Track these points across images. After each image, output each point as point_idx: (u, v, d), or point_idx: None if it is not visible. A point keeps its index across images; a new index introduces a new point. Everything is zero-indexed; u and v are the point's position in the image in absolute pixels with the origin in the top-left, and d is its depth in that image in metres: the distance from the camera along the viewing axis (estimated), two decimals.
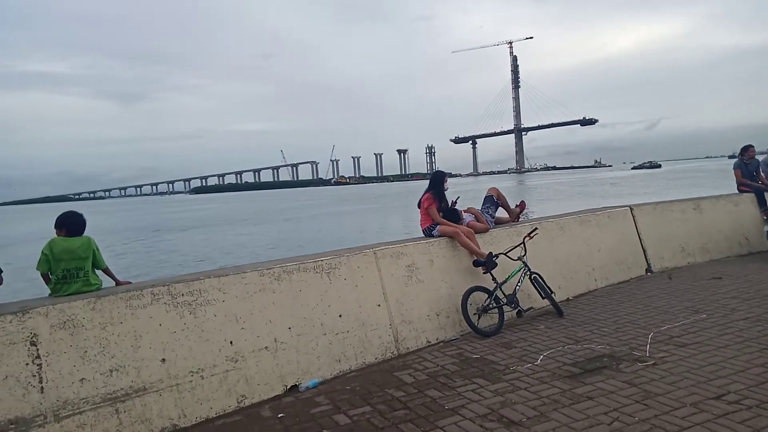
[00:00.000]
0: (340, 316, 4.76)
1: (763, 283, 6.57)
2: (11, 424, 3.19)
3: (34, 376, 3.33)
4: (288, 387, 4.28)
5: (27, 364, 3.33)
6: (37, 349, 3.37)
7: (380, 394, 4.02)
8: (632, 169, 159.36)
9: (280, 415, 3.79)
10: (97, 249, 4.16)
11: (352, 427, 3.51)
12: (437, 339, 5.30)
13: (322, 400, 4.02)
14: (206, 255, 21.83)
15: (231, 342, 4.12)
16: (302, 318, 4.54)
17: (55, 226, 4.13)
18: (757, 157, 9.58)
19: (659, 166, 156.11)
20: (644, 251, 7.80)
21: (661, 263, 7.88)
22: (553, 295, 5.92)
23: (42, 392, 3.33)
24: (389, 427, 3.45)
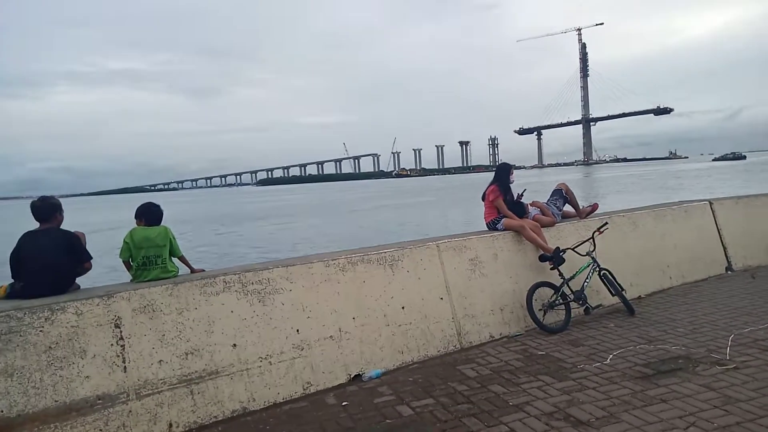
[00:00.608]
0: (402, 307, 4.78)
1: None
2: (99, 399, 3.44)
3: (118, 356, 3.57)
4: (352, 376, 4.36)
5: (112, 344, 3.56)
6: (121, 331, 3.61)
7: (443, 387, 4.02)
8: (713, 160, 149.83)
9: (344, 403, 3.87)
10: (174, 238, 4.38)
11: (415, 418, 3.54)
12: (501, 334, 5.23)
13: (385, 390, 4.06)
14: (272, 245, 22.51)
15: (297, 330, 4.24)
16: (366, 308, 4.60)
17: (135, 216, 4.40)
18: None
19: (744, 157, 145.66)
20: (724, 248, 7.34)
21: (744, 261, 7.39)
22: (623, 292, 5.69)
23: (125, 371, 3.56)
24: (452, 421, 3.45)
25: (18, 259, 3.82)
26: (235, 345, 3.96)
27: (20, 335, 3.28)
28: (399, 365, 4.59)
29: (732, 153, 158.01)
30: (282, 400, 4.02)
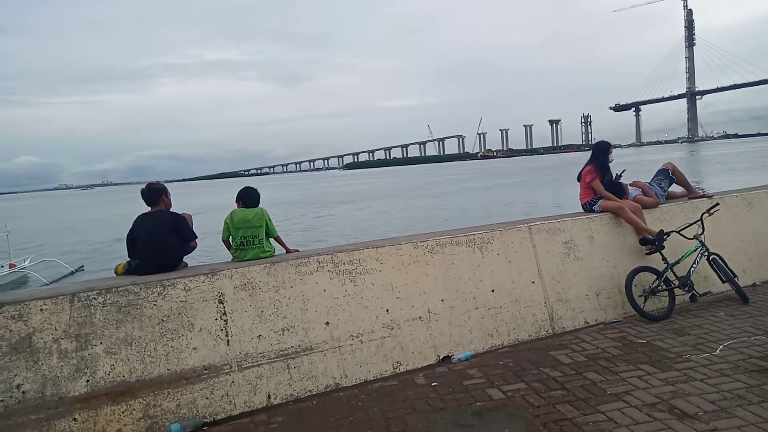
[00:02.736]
0: (492, 290, 4.71)
1: None
2: (205, 369, 3.70)
3: (222, 330, 3.81)
4: (441, 357, 4.37)
5: (216, 319, 3.81)
6: (224, 307, 3.84)
7: (535, 372, 3.92)
8: None
9: (434, 384, 3.89)
10: (270, 219, 4.59)
11: (506, 402, 3.49)
12: (596, 320, 5.01)
13: (474, 373, 4.04)
14: (362, 227, 22.98)
15: (387, 310, 4.30)
16: (455, 291, 4.57)
17: (236, 200, 4.69)
18: None
19: None
20: None
21: None
22: (736, 279, 5.25)
23: (228, 345, 3.80)
24: (545, 407, 3.36)
25: (132, 239, 4.20)
26: (327, 323, 4.10)
27: (137, 308, 3.59)
28: (489, 348, 4.53)
29: None
30: (372, 378, 4.11)
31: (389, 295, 4.34)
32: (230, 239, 4.54)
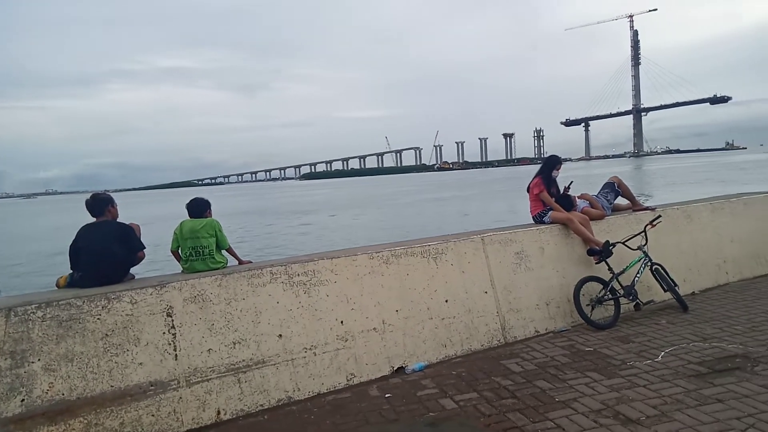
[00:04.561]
0: (446, 301, 4.76)
1: None
2: (151, 385, 3.57)
3: (170, 344, 3.69)
4: (395, 368, 4.37)
5: (164, 333, 3.69)
6: (172, 320, 3.73)
7: (487, 382, 3.98)
8: None
9: (387, 395, 3.89)
10: (221, 230, 4.50)
11: (458, 411, 3.52)
12: (546, 329, 5.13)
13: (428, 383, 4.06)
14: (317, 238, 22.81)
15: (342, 322, 4.28)
16: (409, 301, 4.60)
17: (186, 209, 4.59)
18: None
19: None
20: None
21: None
22: (676, 288, 5.49)
23: (176, 359, 3.68)
24: (496, 415, 3.41)
25: (75, 250, 4.03)
26: (281, 335, 4.04)
27: (79, 322, 3.44)
28: (442, 358, 4.57)
29: None
30: (326, 391, 4.07)
31: (344, 306, 4.32)
32: (179, 250, 4.43)
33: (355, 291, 4.39)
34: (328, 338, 4.19)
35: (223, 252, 4.55)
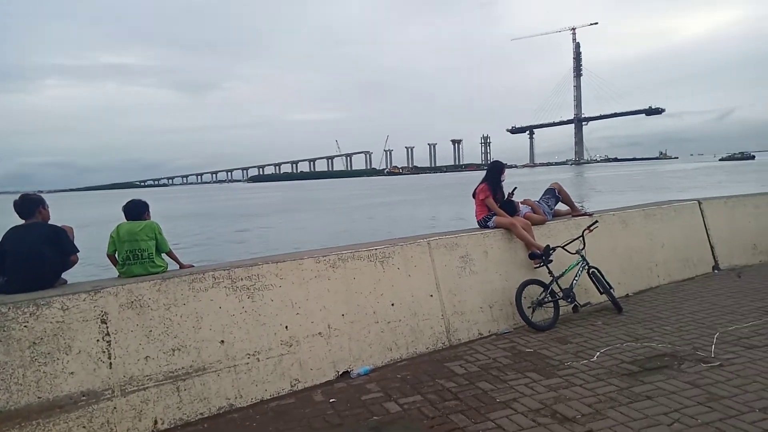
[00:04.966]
0: (392, 304, 4.78)
1: None
2: (83, 396, 3.40)
3: (104, 352, 3.53)
4: (340, 373, 4.36)
5: (98, 340, 3.53)
6: (107, 327, 3.57)
7: (431, 384, 4.02)
8: (720, 160, 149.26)
9: (332, 400, 3.87)
10: (161, 233, 4.36)
11: (402, 415, 3.54)
12: (489, 331, 5.24)
13: (373, 387, 4.06)
14: (263, 242, 22.44)
15: (286, 327, 4.22)
16: (356, 305, 4.59)
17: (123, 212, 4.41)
18: None
19: (752, 157, 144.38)
20: (712, 248, 7.41)
21: (730, 261, 7.47)
22: (612, 290, 5.73)
23: (110, 368, 3.53)
24: (440, 417, 3.45)
25: (1, 253, 3.79)
26: (223, 341, 3.94)
27: (3, 330, 3.24)
28: (388, 362, 4.59)
29: (740, 153, 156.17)
30: (269, 397, 4.00)
31: (289, 311, 4.27)
32: (116, 254, 4.25)
33: (301, 295, 4.35)
34: (272, 343, 4.13)
35: (163, 256, 4.41)
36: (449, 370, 4.30)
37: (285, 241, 21.86)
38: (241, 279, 4.13)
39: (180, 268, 4.51)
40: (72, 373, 3.39)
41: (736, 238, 7.64)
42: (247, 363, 3.99)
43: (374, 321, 4.65)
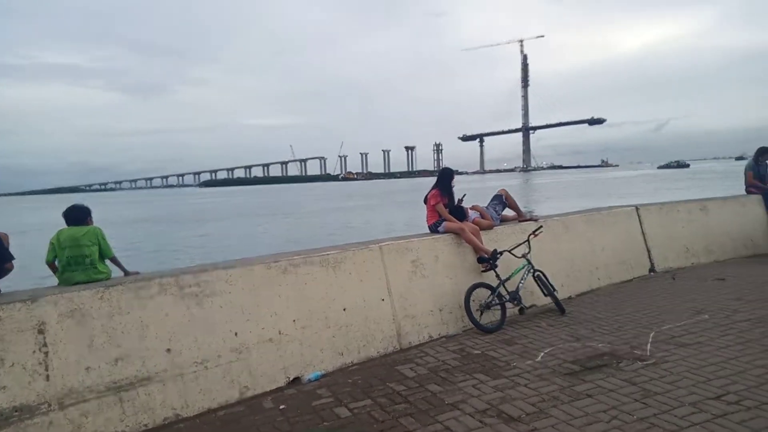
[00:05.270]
0: (344, 309, 4.80)
1: (767, 285, 6.55)
2: (15, 411, 3.25)
3: (41, 364, 3.39)
4: (291, 379, 4.33)
5: (34, 352, 3.38)
6: (44, 338, 3.43)
7: (381, 388, 4.06)
8: (658, 168, 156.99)
9: (282, 407, 3.84)
10: (104, 238, 4.22)
11: (352, 419, 3.56)
12: (439, 334, 5.34)
13: (323, 392, 4.06)
14: (214, 247, 21.96)
15: (236, 333, 4.17)
16: (307, 311, 4.58)
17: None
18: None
19: (687, 165, 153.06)
20: (648, 251, 7.79)
21: (665, 263, 7.87)
22: (555, 292, 5.93)
23: (47, 380, 3.39)
24: (389, 421, 3.49)
25: None
26: (169, 349, 3.85)
27: None
28: (339, 367, 4.60)
29: (676, 161, 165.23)
30: (217, 406, 3.94)
31: (239, 317, 4.22)
32: (56, 262, 4.09)
33: (251, 302, 4.30)
34: (221, 351, 4.06)
35: (107, 262, 4.27)
36: (400, 374, 4.35)
37: (237, 247, 21.46)
38: (190, 286, 4.05)
39: (125, 275, 4.38)
40: (4, 387, 3.24)
41: (670, 242, 8.06)
42: (195, 371, 3.91)
43: (326, 326, 4.65)
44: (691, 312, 5.56)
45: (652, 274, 7.65)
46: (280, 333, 4.39)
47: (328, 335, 4.64)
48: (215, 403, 3.94)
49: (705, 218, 8.54)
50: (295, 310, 4.52)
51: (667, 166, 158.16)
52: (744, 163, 9.95)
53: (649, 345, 4.61)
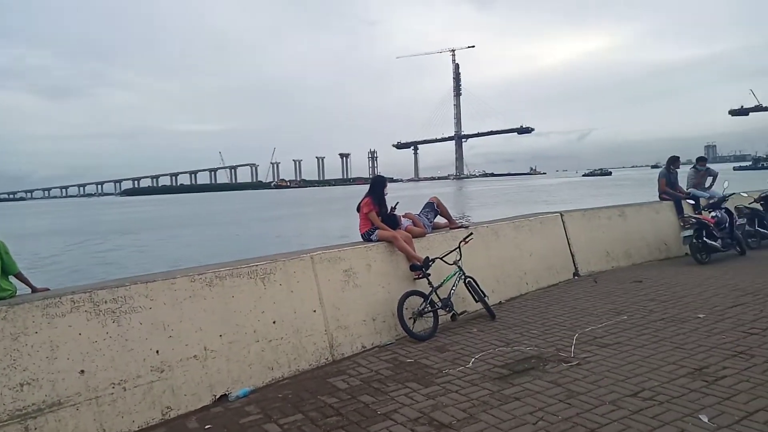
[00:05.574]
0: (274, 322, 4.67)
1: (678, 286, 7.02)
2: None
3: None
4: (217, 397, 4.16)
5: None
6: None
7: (313, 402, 3.97)
8: (583, 175, 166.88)
9: (207, 427, 3.67)
10: (7, 253, 3.91)
11: None
12: (372, 344, 5.31)
13: (252, 409, 3.92)
14: (135, 261, 20.91)
15: (157, 351, 3.95)
16: (234, 325, 4.42)
17: None
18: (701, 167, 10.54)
19: (610, 173, 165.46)
20: (572, 256, 8.15)
21: (588, 267, 8.26)
22: (486, 298, 6.06)
23: None
24: None
25: None
26: (83, 371, 3.59)
27: None
28: (269, 382, 4.46)
29: (600, 169, 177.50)
30: (137, 429, 3.71)
31: (160, 334, 4.00)
32: None
33: (174, 317, 4.09)
34: (141, 370, 3.83)
35: (11, 278, 3.94)
36: (332, 386, 4.27)
37: (161, 259, 20.54)
38: (105, 302, 3.80)
39: (32, 291, 4.06)
40: None
41: (592, 246, 8.47)
42: (112, 393, 3.67)
43: (255, 340, 4.51)
44: (611, 313, 5.85)
45: (576, 277, 8.00)
46: (205, 349, 4.20)
47: (257, 349, 4.50)
48: (135, 426, 3.71)
49: (624, 223, 9.05)
50: (221, 325, 4.34)
51: (592, 173, 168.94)
52: (658, 171, 10.69)
53: (573, 347, 4.79)
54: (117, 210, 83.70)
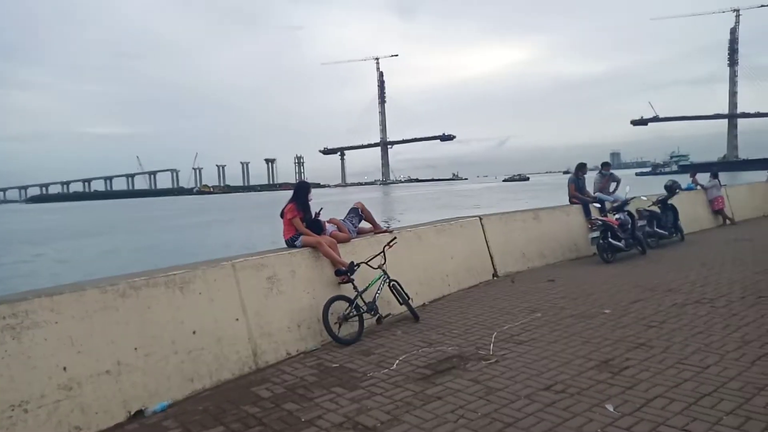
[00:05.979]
0: (194, 332, 4.52)
1: (587, 284, 7.49)
2: None
3: None
4: (132, 413, 3.96)
5: None
6: None
7: (235, 412, 3.88)
8: (503, 180, 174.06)
9: None
10: None
11: None
12: (298, 350, 5.26)
13: (170, 424, 3.77)
14: (40, 273, 19.44)
15: (64, 368, 3.71)
16: (151, 337, 4.24)
17: None
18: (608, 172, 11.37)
19: (528, 178, 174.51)
20: (491, 257, 8.48)
21: (506, 268, 8.62)
22: (410, 300, 6.18)
23: None
24: None
25: None
26: None
27: None
28: (189, 394, 4.31)
29: (518, 174, 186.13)
30: None
31: (68, 349, 3.77)
32: None
33: (83, 331, 3.87)
34: (46, 389, 3.59)
35: None
36: (255, 395, 4.20)
37: (66, 271, 19.23)
38: (4, 317, 3.53)
39: None
40: None
41: (509, 248, 8.86)
42: (11, 416, 3.40)
43: (173, 352, 4.34)
44: (527, 311, 6.14)
45: (495, 278, 8.33)
46: (118, 363, 3.99)
47: (175, 361, 4.33)
48: None
49: (538, 226, 9.53)
50: (136, 337, 4.15)
51: (511, 179, 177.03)
52: (568, 176, 11.38)
53: (492, 345, 4.99)
54: (22, 218, 77.41)
